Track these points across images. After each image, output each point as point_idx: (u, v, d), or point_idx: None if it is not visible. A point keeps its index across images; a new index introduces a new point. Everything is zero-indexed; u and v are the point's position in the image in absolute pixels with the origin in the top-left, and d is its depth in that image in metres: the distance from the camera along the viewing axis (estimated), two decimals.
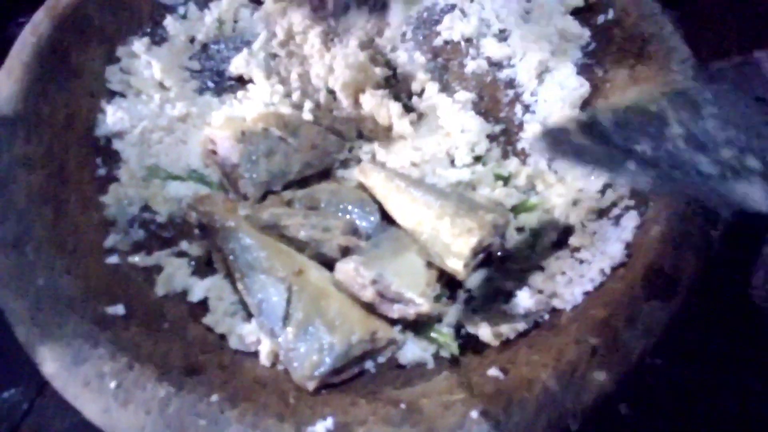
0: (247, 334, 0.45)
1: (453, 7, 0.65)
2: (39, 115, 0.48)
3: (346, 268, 0.45)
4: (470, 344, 0.46)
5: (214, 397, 0.38)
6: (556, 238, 0.53)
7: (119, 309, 0.43)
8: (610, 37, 0.58)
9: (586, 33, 0.59)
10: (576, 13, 0.60)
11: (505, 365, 0.42)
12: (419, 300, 0.44)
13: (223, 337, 0.46)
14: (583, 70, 0.59)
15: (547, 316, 0.46)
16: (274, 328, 0.42)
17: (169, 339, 0.43)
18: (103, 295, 0.43)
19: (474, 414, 0.38)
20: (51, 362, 0.39)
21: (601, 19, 0.59)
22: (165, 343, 0.42)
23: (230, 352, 0.45)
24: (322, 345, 0.41)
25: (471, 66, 0.64)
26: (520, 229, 0.54)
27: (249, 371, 0.43)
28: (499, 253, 0.52)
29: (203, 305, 0.47)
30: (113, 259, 0.47)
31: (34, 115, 0.48)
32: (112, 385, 0.38)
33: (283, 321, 0.42)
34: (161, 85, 0.58)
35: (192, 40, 0.61)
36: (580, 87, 0.58)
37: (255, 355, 0.45)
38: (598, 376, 0.39)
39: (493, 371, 0.42)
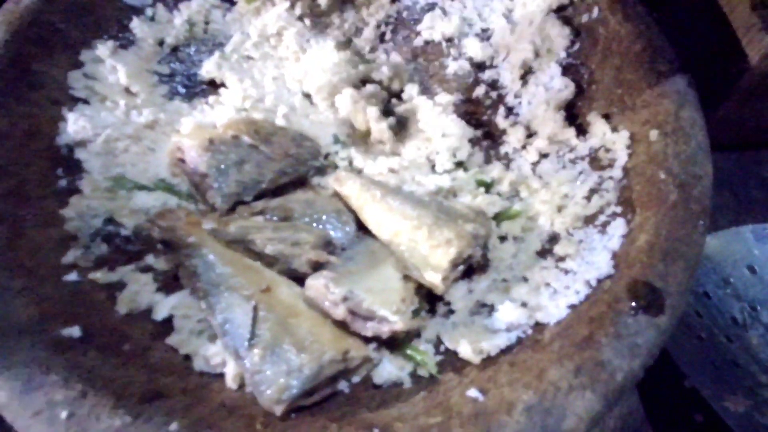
0: (213, 355, 0.42)
1: (434, 5, 0.63)
2: None
3: (316, 285, 0.42)
4: (450, 361, 0.44)
5: (174, 426, 0.36)
6: (541, 246, 0.50)
7: (75, 331, 0.40)
8: (595, 36, 0.55)
9: (570, 32, 0.57)
10: (560, 11, 0.58)
11: (486, 385, 0.40)
12: (393, 318, 0.41)
13: (188, 358, 0.43)
14: (568, 70, 0.56)
15: (530, 331, 0.44)
16: (239, 350, 0.40)
17: (130, 362, 0.40)
18: (59, 317, 0.41)
19: None
20: (0, 391, 0.36)
21: (585, 17, 0.56)
22: (125, 366, 0.40)
23: (196, 374, 0.42)
24: (290, 367, 0.39)
25: (452, 67, 0.61)
26: (503, 238, 0.52)
27: (215, 395, 0.41)
28: (480, 264, 0.49)
29: (168, 324, 0.45)
30: (72, 277, 0.45)
31: None
32: (64, 415, 0.35)
33: (249, 342, 0.40)
34: (127, 91, 0.55)
35: (161, 43, 0.59)
36: (565, 88, 0.55)
37: (222, 377, 0.42)
38: (582, 397, 0.37)
39: (473, 392, 0.39)
